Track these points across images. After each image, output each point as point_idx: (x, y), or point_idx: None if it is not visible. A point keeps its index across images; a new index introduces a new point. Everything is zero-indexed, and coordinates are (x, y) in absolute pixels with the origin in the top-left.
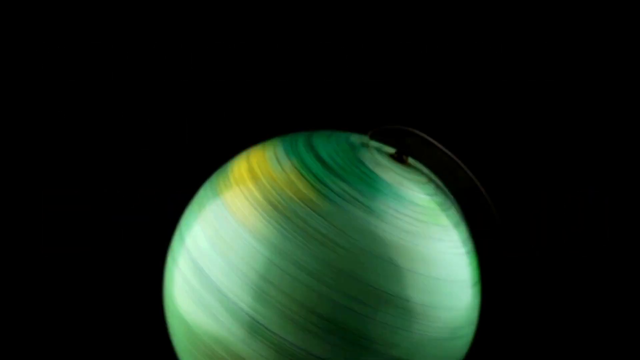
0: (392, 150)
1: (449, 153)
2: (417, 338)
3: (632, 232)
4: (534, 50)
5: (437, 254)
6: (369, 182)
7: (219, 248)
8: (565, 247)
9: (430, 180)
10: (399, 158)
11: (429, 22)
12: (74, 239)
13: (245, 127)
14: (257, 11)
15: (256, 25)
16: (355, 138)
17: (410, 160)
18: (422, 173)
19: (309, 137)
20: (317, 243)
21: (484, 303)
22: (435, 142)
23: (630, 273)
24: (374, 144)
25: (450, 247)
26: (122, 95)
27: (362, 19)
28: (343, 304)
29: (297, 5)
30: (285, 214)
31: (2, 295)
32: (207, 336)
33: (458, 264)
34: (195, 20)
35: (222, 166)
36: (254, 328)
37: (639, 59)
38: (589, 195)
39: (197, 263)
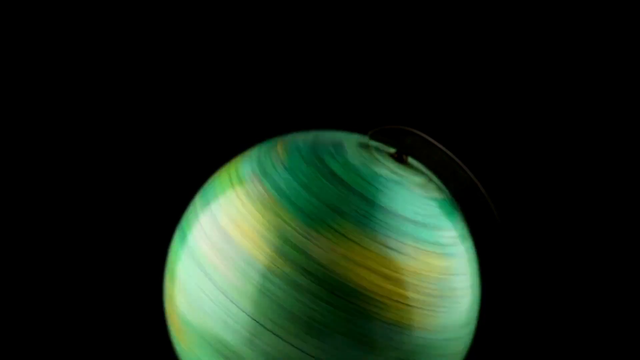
0: (392, 150)
1: (449, 153)
2: (418, 339)
3: (632, 232)
4: (534, 50)
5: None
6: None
7: (220, 247)
8: (565, 247)
9: (430, 180)
10: (399, 158)
11: (429, 22)
12: (74, 238)
13: (245, 127)
14: (257, 11)
15: (256, 25)
16: (354, 139)
17: (410, 160)
18: (422, 173)
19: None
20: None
21: (484, 303)
22: (435, 142)
23: (630, 273)
24: (374, 144)
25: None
26: (122, 95)
27: (362, 19)
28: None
29: (297, 5)
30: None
31: (2, 295)
32: (207, 336)
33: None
34: (195, 20)
35: (224, 165)
36: (255, 329)
37: (639, 59)
38: (589, 195)
39: (197, 263)
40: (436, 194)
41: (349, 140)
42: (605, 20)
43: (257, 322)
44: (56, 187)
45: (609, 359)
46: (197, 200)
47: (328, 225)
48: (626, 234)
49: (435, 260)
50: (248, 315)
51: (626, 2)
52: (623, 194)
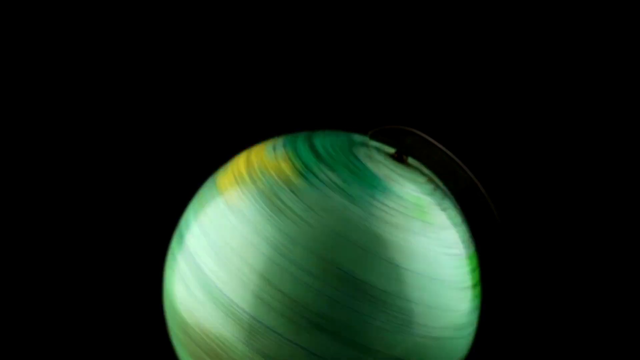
0: (392, 150)
1: (449, 153)
2: (417, 338)
3: (632, 232)
4: (534, 50)
5: (417, 248)
6: (355, 172)
7: (218, 247)
8: (565, 247)
9: (430, 180)
10: (399, 158)
11: (428, 22)
12: (74, 238)
13: (245, 127)
14: (257, 11)
15: (256, 25)
16: (357, 138)
17: (410, 160)
18: (422, 173)
19: (312, 133)
20: (284, 217)
21: (484, 303)
22: (435, 142)
23: (630, 273)
24: (374, 144)
25: (436, 245)
26: (122, 95)
27: (362, 19)
28: (306, 281)
29: (297, 5)
30: (263, 190)
31: (2, 295)
32: (207, 336)
33: (444, 264)
34: (195, 20)
35: (223, 165)
36: (254, 327)
37: (639, 59)
38: (589, 195)
39: (197, 262)
40: (432, 194)
41: None
42: (605, 20)
43: (257, 319)
44: (56, 188)
45: (609, 359)
46: (196, 199)
47: None
48: (626, 234)
49: None
50: (247, 313)
51: (626, 2)
52: (623, 194)
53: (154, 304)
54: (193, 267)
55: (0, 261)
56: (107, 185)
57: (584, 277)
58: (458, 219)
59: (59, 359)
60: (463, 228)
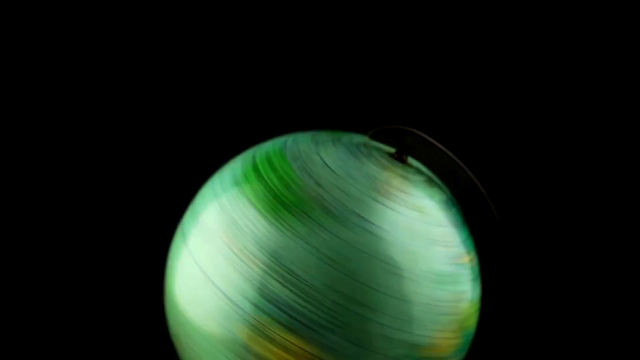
0: (392, 150)
1: (449, 153)
2: (417, 338)
3: (632, 232)
4: (534, 50)
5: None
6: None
7: (219, 247)
8: (565, 247)
9: (430, 180)
10: (399, 158)
11: (428, 22)
12: (74, 238)
13: (245, 127)
14: (257, 11)
15: (256, 25)
16: (356, 139)
17: (410, 160)
18: (422, 173)
19: (320, 146)
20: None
21: (484, 302)
22: (435, 142)
23: (630, 273)
24: (374, 144)
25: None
26: (122, 94)
27: (362, 19)
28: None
29: (297, 5)
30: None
31: (2, 295)
32: (209, 337)
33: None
34: (195, 20)
35: (226, 164)
36: (256, 328)
37: (639, 59)
38: (589, 195)
39: (198, 263)
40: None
41: None
42: (605, 20)
43: (259, 321)
44: (56, 187)
45: (609, 359)
46: (197, 199)
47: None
48: (626, 233)
49: None
50: (250, 314)
51: (626, 2)
52: (623, 194)
53: (155, 304)
54: (194, 265)
55: (1, 261)
56: (107, 185)
57: (583, 277)
58: (449, 220)
59: (59, 359)
60: (451, 230)
